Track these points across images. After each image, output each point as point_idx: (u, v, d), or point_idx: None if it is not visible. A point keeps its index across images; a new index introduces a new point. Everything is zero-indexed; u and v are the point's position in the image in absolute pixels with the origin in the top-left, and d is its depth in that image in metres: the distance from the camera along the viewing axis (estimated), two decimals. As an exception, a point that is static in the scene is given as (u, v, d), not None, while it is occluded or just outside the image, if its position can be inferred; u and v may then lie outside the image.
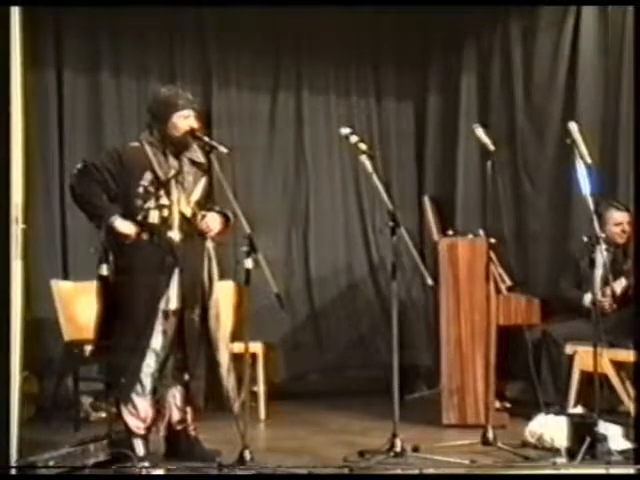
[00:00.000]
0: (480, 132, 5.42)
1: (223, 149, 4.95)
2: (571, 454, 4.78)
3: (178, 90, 5.17)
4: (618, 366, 5.68)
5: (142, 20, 6.83)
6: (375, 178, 5.15)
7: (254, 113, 7.39)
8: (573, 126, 5.12)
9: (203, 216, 5.00)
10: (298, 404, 6.70)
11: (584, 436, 4.76)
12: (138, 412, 4.92)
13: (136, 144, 5.03)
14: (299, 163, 7.54)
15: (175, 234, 4.94)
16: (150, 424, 4.97)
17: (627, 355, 5.44)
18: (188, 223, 4.97)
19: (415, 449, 5.06)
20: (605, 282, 6.05)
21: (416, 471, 4.59)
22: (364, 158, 5.19)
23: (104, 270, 4.92)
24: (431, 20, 7.46)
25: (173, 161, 4.99)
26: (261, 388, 6.34)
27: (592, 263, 5.24)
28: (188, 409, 5.07)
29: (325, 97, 7.60)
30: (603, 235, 5.25)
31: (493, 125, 6.98)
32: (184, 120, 4.98)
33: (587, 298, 6.06)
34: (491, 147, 5.34)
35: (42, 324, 6.32)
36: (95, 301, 4.99)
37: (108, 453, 4.75)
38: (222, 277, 5.25)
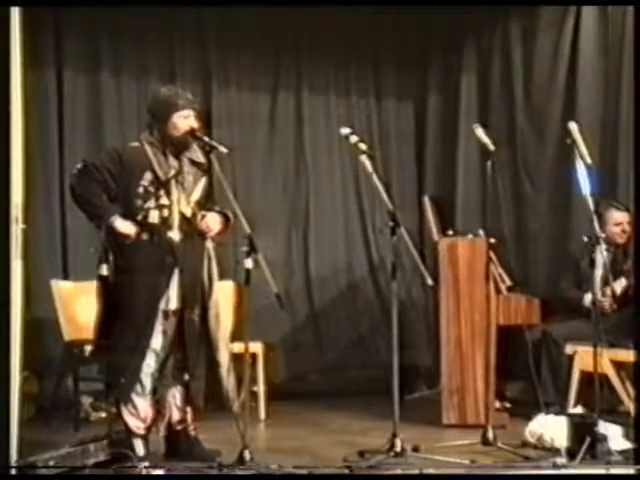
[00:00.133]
0: (480, 132, 5.42)
1: (223, 149, 4.95)
2: (571, 454, 4.78)
3: (178, 90, 5.17)
4: (618, 366, 5.68)
5: (142, 20, 6.83)
6: (375, 178, 5.15)
7: (254, 113, 7.39)
8: (573, 126, 5.12)
9: (203, 216, 5.00)
10: (298, 404, 6.70)
11: (584, 436, 4.76)
12: (138, 412, 4.92)
13: (136, 144, 5.03)
14: (299, 163, 7.54)
15: (175, 234, 4.94)
16: (150, 424, 4.97)
17: (627, 355, 5.44)
18: (188, 223, 4.97)
19: (415, 449, 5.05)
20: (605, 282, 6.05)
21: (416, 471, 4.59)
22: (364, 158, 5.19)
23: (104, 270, 4.92)
24: (431, 20, 7.46)
25: (173, 161, 4.99)
26: (261, 388, 6.34)
27: (592, 263, 5.24)
28: (188, 409, 5.06)
29: (325, 97, 7.60)
30: (603, 235, 5.25)
31: (493, 125, 6.98)
32: (184, 120, 4.98)
33: (587, 298, 6.06)
34: (491, 147, 5.34)
35: (42, 324, 6.32)
36: (95, 301, 4.99)
37: (108, 453, 4.75)
38: (222, 277, 5.25)
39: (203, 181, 5.08)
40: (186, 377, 4.99)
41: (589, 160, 5.02)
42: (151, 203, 4.91)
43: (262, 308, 5.70)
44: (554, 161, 6.81)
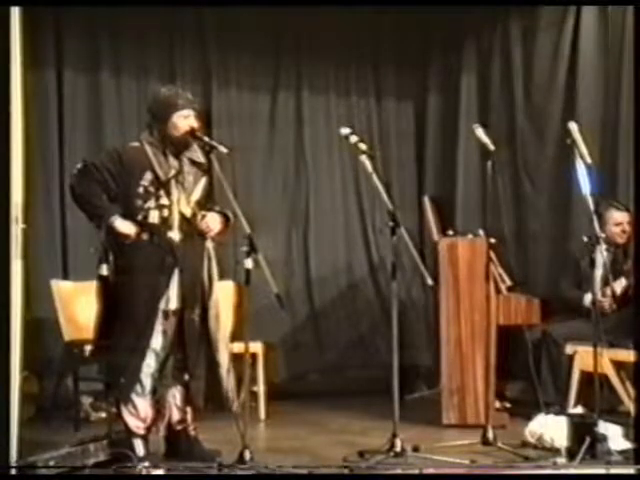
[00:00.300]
0: (480, 132, 5.42)
1: (223, 149, 4.95)
2: (571, 454, 4.78)
3: (178, 90, 5.17)
4: (618, 366, 5.68)
5: (142, 20, 6.83)
6: (375, 178, 5.15)
7: (254, 113, 7.39)
8: (573, 126, 5.12)
9: (203, 216, 5.00)
10: (298, 404, 6.70)
11: (584, 436, 4.76)
12: (138, 412, 4.92)
13: (136, 144, 5.03)
14: (299, 163, 7.54)
15: (175, 234, 4.94)
16: (150, 424, 4.97)
17: (627, 355, 5.44)
18: (188, 223, 4.97)
19: (415, 449, 5.06)
20: (605, 282, 6.05)
21: (416, 471, 4.60)
22: (364, 158, 5.19)
23: (104, 270, 4.92)
24: (431, 20, 7.47)
25: (173, 161, 4.99)
26: (261, 388, 6.34)
27: (592, 263, 5.25)
28: (188, 409, 5.06)
29: (325, 97, 7.60)
30: (603, 235, 5.25)
31: (493, 125, 6.98)
32: (184, 120, 4.98)
33: (587, 298, 6.06)
34: (491, 147, 5.34)
35: (42, 324, 6.32)
36: (95, 301, 4.98)
37: (108, 453, 4.75)
38: (222, 277, 5.25)
39: (203, 181, 5.08)
40: (186, 377, 4.99)
41: (589, 160, 5.02)
42: (151, 203, 4.91)
43: (262, 308, 5.70)
44: (554, 161, 6.81)
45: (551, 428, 5.13)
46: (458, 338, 5.98)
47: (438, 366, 6.22)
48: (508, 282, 6.06)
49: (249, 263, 4.71)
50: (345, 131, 5.30)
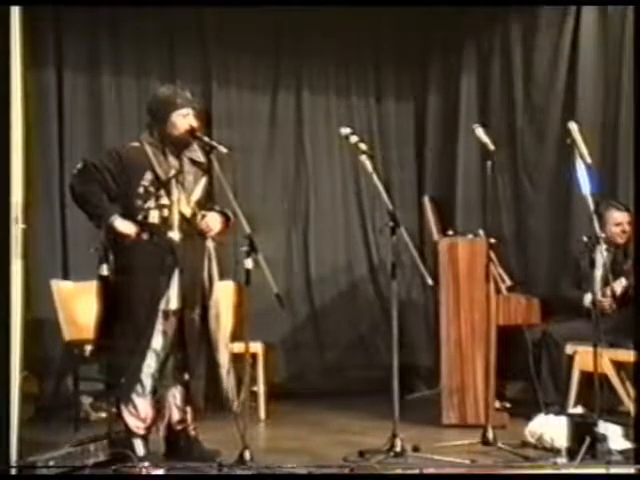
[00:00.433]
0: (480, 132, 5.42)
1: (223, 149, 4.95)
2: (571, 454, 4.78)
3: (177, 89, 5.15)
4: (618, 366, 5.68)
5: (142, 20, 6.83)
6: (375, 178, 5.15)
7: (254, 113, 7.39)
8: (573, 126, 5.12)
9: (203, 216, 5.00)
10: (298, 404, 6.69)
11: (584, 436, 4.76)
12: (138, 412, 4.92)
13: (136, 144, 5.03)
14: (299, 163, 7.54)
15: (175, 234, 4.94)
16: (150, 424, 4.97)
17: (627, 355, 5.44)
18: (188, 223, 4.97)
19: (415, 449, 5.06)
20: (605, 282, 6.05)
21: (416, 471, 4.60)
22: (364, 158, 5.19)
23: (104, 270, 4.92)
24: (431, 20, 7.47)
25: (173, 161, 4.99)
26: (261, 388, 6.34)
27: (592, 263, 5.25)
28: (188, 409, 5.06)
29: (325, 97, 7.60)
30: (603, 235, 5.25)
31: (493, 125, 6.98)
32: (183, 119, 4.98)
33: (587, 298, 6.05)
34: (491, 147, 5.34)
35: (42, 324, 6.32)
36: (95, 301, 4.98)
37: (108, 453, 4.75)
38: (222, 277, 5.25)
39: (203, 181, 5.08)
40: (186, 377, 4.99)
41: (589, 160, 5.02)
42: (151, 203, 4.91)
43: (262, 308, 5.69)
44: (554, 161, 6.80)
45: (551, 428, 5.13)
46: (458, 338, 5.98)
47: (438, 366, 6.22)
48: (508, 282, 6.06)
49: (249, 263, 4.71)
50: (345, 131, 5.31)
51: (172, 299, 4.92)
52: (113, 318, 4.92)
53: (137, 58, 7.01)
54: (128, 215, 4.90)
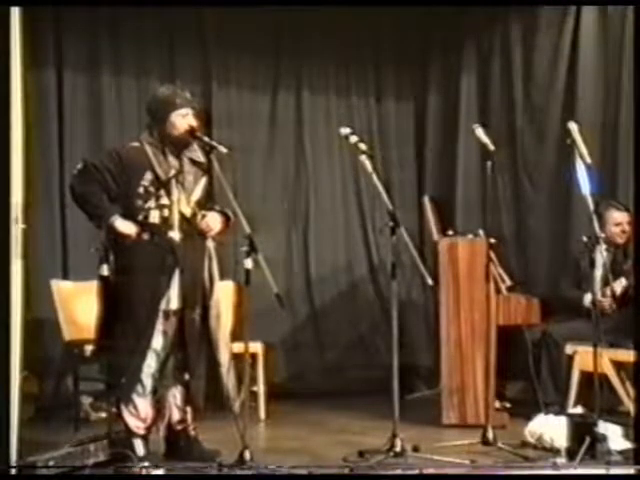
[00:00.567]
0: (480, 132, 5.42)
1: (223, 149, 4.95)
2: (571, 454, 4.78)
3: (176, 89, 5.15)
4: (618, 366, 5.68)
5: (142, 20, 6.83)
6: (375, 178, 5.15)
7: (254, 113, 7.39)
8: (573, 126, 5.12)
9: (203, 216, 5.00)
10: (298, 404, 6.69)
11: (584, 436, 4.75)
12: (138, 412, 4.92)
13: (136, 144, 5.03)
14: (299, 163, 7.54)
15: (175, 234, 4.94)
16: (150, 424, 4.97)
17: (627, 355, 5.44)
18: (188, 223, 4.97)
19: (415, 449, 5.06)
20: (605, 282, 6.05)
21: (416, 471, 4.60)
22: (364, 158, 5.19)
23: (105, 270, 4.92)
24: (431, 20, 7.47)
25: (173, 161, 4.99)
26: (261, 388, 6.34)
27: (592, 263, 5.25)
28: (188, 409, 5.07)
29: (325, 97, 7.60)
30: (603, 235, 5.25)
31: (493, 125, 6.98)
32: (182, 119, 4.98)
33: (587, 298, 6.05)
34: (491, 147, 5.34)
35: (42, 324, 6.32)
36: (96, 301, 4.99)
37: (108, 453, 4.75)
38: (222, 277, 5.25)
39: (203, 181, 5.08)
40: (186, 377, 4.99)
41: (589, 160, 5.02)
42: (151, 203, 4.91)
43: (262, 308, 5.69)
44: (554, 161, 6.80)
45: (551, 428, 5.13)
46: (458, 338, 5.99)
47: (438, 366, 6.22)
48: (508, 282, 6.06)
49: (249, 263, 4.71)
50: (345, 131, 5.30)
51: (172, 299, 4.92)
52: (113, 318, 4.92)
53: (137, 58, 7.01)
54: (128, 215, 4.90)
